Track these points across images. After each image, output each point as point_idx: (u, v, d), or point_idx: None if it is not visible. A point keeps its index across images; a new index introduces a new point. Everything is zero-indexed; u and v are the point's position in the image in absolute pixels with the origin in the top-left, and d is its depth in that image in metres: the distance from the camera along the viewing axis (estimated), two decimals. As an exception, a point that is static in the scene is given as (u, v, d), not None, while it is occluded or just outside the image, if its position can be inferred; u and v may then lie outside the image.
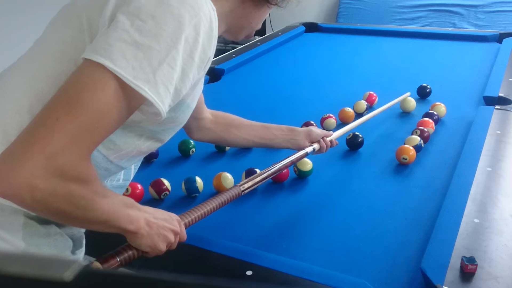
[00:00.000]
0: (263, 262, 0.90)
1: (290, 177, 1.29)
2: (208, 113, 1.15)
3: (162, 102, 0.65)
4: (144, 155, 0.89)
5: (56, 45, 0.73)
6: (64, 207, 0.61)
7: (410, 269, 0.91)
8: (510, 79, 1.86)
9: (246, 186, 0.99)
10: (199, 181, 1.22)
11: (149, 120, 0.75)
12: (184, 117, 0.83)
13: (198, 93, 0.86)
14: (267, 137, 1.19)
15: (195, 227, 1.08)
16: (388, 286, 0.88)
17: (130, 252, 0.76)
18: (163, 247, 0.76)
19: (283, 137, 1.18)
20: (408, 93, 1.71)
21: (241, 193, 0.98)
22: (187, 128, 1.09)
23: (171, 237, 0.77)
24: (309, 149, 1.17)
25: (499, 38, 2.50)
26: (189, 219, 0.86)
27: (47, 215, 0.65)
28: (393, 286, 0.88)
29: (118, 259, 0.75)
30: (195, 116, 1.02)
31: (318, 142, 1.21)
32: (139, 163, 0.96)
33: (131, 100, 0.64)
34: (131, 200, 0.73)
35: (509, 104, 1.62)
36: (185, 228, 0.84)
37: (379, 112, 1.53)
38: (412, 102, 1.71)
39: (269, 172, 1.05)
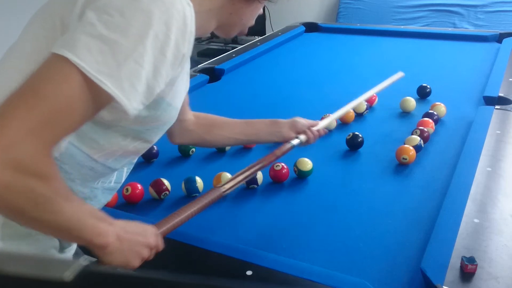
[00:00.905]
0: (263, 262, 0.90)
1: (290, 177, 1.29)
2: (191, 115, 1.10)
3: (128, 98, 0.63)
4: (135, 156, 0.86)
5: (31, 45, 0.73)
6: (21, 204, 0.57)
7: (410, 269, 0.91)
8: (510, 79, 1.86)
9: (227, 186, 0.92)
10: (199, 181, 1.22)
11: (125, 119, 0.72)
12: (167, 116, 0.80)
13: (180, 92, 0.81)
14: (250, 133, 1.14)
15: (195, 227, 1.08)
16: (388, 286, 0.88)
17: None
18: (136, 263, 0.73)
19: (267, 130, 1.13)
20: (401, 73, 1.54)
21: (222, 195, 0.92)
22: (168, 131, 0.98)
23: (145, 253, 0.74)
24: (294, 141, 1.09)
25: (499, 38, 2.50)
26: (167, 227, 0.82)
27: (3, 212, 0.62)
28: (393, 286, 0.88)
29: None
30: (179, 118, 0.95)
31: (305, 133, 1.12)
32: (131, 166, 0.91)
33: (96, 96, 0.62)
34: (102, 213, 0.69)
35: (509, 104, 1.62)
36: (164, 236, 0.80)
37: (369, 95, 1.40)
38: (412, 102, 1.71)
39: (252, 170, 0.98)
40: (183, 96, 0.84)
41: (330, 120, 1.22)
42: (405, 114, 1.71)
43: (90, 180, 0.81)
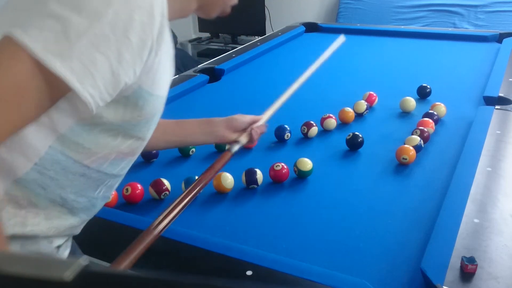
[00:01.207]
0: (263, 262, 0.90)
1: (290, 177, 1.29)
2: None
3: (81, 82, 0.56)
4: (132, 157, 0.78)
5: None
6: None
7: (410, 269, 0.91)
8: (510, 79, 1.86)
9: (161, 227, 0.77)
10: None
11: (102, 116, 0.66)
12: (151, 107, 0.71)
13: (163, 80, 0.72)
14: (182, 134, 1.04)
15: (195, 227, 1.08)
16: (388, 286, 0.88)
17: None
18: None
19: (200, 131, 1.03)
20: (342, 37, 1.39)
21: (158, 235, 0.77)
22: None
23: None
24: (233, 148, 0.97)
25: (499, 38, 2.50)
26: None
27: None
28: (393, 286, 0.88)
29: None
30: None
31: (244, 131, 1.02)
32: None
33: (48, 80, 0.56)
34: None
35: (509, 104, 1.62)
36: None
37: (314, 68, 1.31)
38: (412, 102, 1.71)
39: (189, 197, 0.83)
40: (166, 84, 0.75)
41: (274, 110, 1.11)
42: (405, 114, 1.71)
43: (86, 189, 0.74)
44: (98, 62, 0.57)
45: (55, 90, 0.58)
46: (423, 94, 1.84)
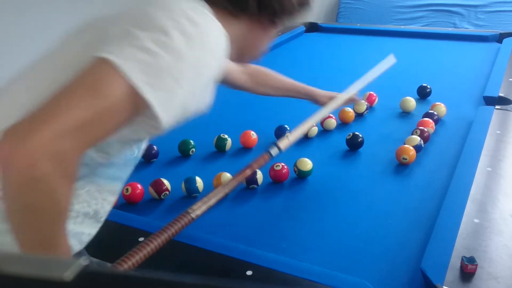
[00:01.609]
0: (263, 262, 0.90)
1: (290, 177, 1.29)
2: (238, 73, 1.27)
3: (164, 110, 0.65)
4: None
5: (68, 55, 0.74)
6: (38, 200, 0.59)
7: (410, 269, 0.91)
8: (510, 79, 1.86)
9: (198, 212, 0.86)
10: (199, 181, 1.22)
11: (149, 131, 0.73)
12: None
13: (201, 99, 0.83)
14: (285, 87, 1.39)
15: (195, 227, 1.08)
16: (388, 286, 0.88)
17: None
18: None
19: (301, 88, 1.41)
20: (392, 57, 1.57)
21: (193, 220, 0.86)
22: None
23: None
24: (273, 151, 1.07)
25: (499, 38, 2.50)
26: (132, 262, 0.76)
27: (14, 203, 0.60)
28: (393, 286, 0.88)
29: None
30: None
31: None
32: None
33: (136, 104, 0.64)
34: None
35: (509, 104, 1.62)
36: (132, 268, 0.76)
37: (363, 85, 1.42)
38: (412, 102, 1.71)
39: (226, 190, 0.94)
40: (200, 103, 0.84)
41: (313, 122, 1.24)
42: (405, 114, 1.71)
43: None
44: (178, 95, 0.66)
45: (136, 112, 0.66)
46: (423, 94, 1.84)
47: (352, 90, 1.38)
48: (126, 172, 0.87)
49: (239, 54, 0.90)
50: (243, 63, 1.00)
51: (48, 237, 0.63)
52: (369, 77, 1.43)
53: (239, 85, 1.30)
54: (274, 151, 1.05)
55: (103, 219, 0.86)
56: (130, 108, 0.64)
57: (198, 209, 0.85)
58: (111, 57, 0.62)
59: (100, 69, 0.62)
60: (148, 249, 0.77)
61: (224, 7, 0.80)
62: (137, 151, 0.88)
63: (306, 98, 1.41)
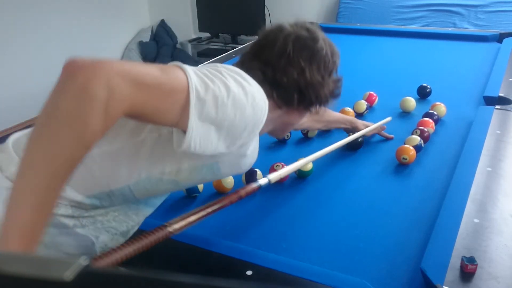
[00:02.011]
0: (263, 262, 0.90)
1: (290, 177, 1.29)
2: None
3: (192, 140, 0.73)
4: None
5: None
6: (73, 111, 0.61)
7: (410, 269, 0.91)
8: (510, 79, 1.86)
9: (176, 227, 0.81)
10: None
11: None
12: (210, 175, 0.90)
13: (234, 165, 0.92)
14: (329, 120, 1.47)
15: (195, 227, 1.08)
16: (388, 286, 0.88)
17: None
18: None
19: (342, 119, 1.48)
20: (389, 118, 1.59)
21: (168, 235, 0.79)
22: None
23: None
24: (262, 181, 1.01)
25: (499, 38, 2.50)
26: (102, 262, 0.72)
27: (51, 104, 0.63)
28: (393, 286, 0.88)
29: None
30: None
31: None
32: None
33: (181, 113, 0.71)
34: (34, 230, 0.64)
35: (509, 104, 1.62)
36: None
37: (357, 136, 1.42)
38: (412, 102, 1.71)
39: (208, 210, 0.87)
40: (230, 171, 0.95)
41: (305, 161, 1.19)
42: (405, 114, 1.71)
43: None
44: (211, 139, 0.76)
45: (175, 123, 0.73)
46: (423, 94, 1.84)
47: (379, 123, 1.50)
48: (162, 200, 0.97)
49: (276, 131, 1.05)
50: (278, 138, 1.11)
51: (59, 157, 0.62)
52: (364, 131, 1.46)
53: (300, 127, 1.42)
54: (263, 182, 1.01)
55: (129, 236, 0.92)
56: (178, 110, 0.71)
57: (176, 223, 0.81)
58: (187, 69, 0.73)
59: (175, 67, 0.74)
60: (117, 256, 0.72)
61: (271, 96, 0.90)
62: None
63: (349, 126, 1.46)
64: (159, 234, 0.78)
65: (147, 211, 0.95)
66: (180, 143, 0.75)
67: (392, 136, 1.52)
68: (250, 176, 1.23)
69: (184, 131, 0.73)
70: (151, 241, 0.77)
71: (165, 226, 0.80)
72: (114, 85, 0.62)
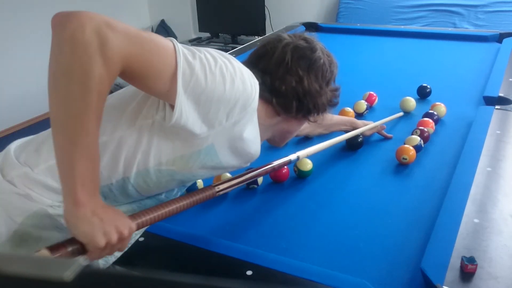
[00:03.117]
0: (263, 262, 0.90)
1: (290, 177, 1.29)
2: None
3: (181, 109, 0.75)
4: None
5: None
6: (72, 64, 0.64)
7: (410, 269, 0.91)
8: (510, 79, 1.86)
9: (221, 187, 0.95)
10: (199, 181, 1.22)
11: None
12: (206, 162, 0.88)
13: (228, 156, 0.90)
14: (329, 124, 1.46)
15: (195, 227, 1.08)
16: (388, 286, 0.88)
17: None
18: (101, 241, 0.70)
19: (342, 121, 1.48)
20: (401, 113, 1.68)
21: (216, 194, 0.94)
22: None
23: (113, 237, 0.71)
24: (292, 157, 1.15)
25: (499, 38, 2.50)
26: (146, 218, 0.81)
27: (53, 64, 0.66)
28: (393, 286, 0.88)
29: (70, 249, 0.70)
30: None
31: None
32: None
33: (168, 81, 0.73)
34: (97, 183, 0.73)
35: (509, 104, 1.62)
36: (146, 225, 0.82)
37: (361, 131, 1.45)
38: (412, 102, 1.71)
39: (249, 175, 1.03)
40: (230, 158, 0.91)
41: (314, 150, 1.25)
42: (405, 114, 1.71)
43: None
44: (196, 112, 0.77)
45: (168, 85, 0.74)
46: (423, 94, 1.84)
47: (378, 123, 1.51)
48: (167, 195, 0.96)
49: (275, 138, 1.06)
50: (278, 145, 1.12)
51: (74, 114, 0.66)
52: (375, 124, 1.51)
53: (301, 133, 1.42)
54: (293, 157, 1.15)
55: (131, 243, 0.92)
56: (167, 71, 0.72)
57: (221, 185, 0.95)
58: (177, 44, 0.75)
59: (166, 40, 0.75)
60: (166, 210, 0.83)
61: (270, 103, 0.93)
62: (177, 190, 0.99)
63: (350, 127, 1.46)
64: (208, 192, 0.91)
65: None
66: (171, 117, 0.76)
67: (391, 135, 1.52)
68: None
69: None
70: (199, 198, 0.89)
71: (213, 186, 0.93)
72: (104, 34, 0.65)
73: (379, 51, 2.55)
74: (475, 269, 0.83)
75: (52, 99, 0.67)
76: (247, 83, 0.81)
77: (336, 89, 1.04)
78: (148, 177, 0.85)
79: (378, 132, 1.52)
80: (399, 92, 1.84)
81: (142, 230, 0.93)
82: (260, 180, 1.25)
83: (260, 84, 0.86)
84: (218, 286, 0.30)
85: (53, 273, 0.32)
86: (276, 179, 1.27)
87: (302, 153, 1.17)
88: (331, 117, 1.45)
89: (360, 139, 1.44)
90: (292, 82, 0.93)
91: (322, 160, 1.38)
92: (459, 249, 0.89)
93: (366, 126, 1.45)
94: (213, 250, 0.94)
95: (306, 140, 1.53)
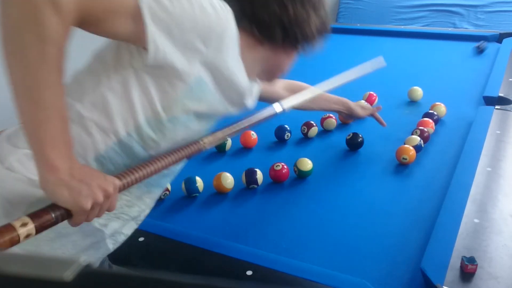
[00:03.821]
0: (263, 262, 0.90)
1: (290, 177, 1.29)
2: (279, 85, 1.25)
3: (154, 39, 0.70)
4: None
5: None
6: (24, 21, 0.61)
7: (410, 269, 0.91)
8: (510, 79, 1.86)
9: (206, 141, 0.88)
10: (199, 181, 1.22)
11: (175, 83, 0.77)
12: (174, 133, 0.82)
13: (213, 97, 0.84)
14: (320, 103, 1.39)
15: (195, 227, 1.08)
16: (388, 286, 0.88)
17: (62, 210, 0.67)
18: (86, 203, 0.66)
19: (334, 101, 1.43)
20: (382, 59, 1.56)
21: (202, 149, 0.87)
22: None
23: (99, 196, 0.67)
24: (277, 108, 1.04)
25: (499, 38, 2.50)
26: (132, 178, 0.76)
27: (3, 29, 0.63)
28: (393, 286, 0.88)
29: (53, 215, 0.66)
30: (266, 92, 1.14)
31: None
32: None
33: (136, 28, 0.70)
34: (70, 141, 0.68)
35: (509, 104, 1.62)
36: (131, 184, 0.76)
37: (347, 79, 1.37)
38: (419, 91, 1.78)
39: (237, 128, 0.95)
40: (224, 94, 0.86)
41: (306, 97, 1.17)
42: (405, 114, 1.71)
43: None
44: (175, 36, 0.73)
45: (133, 25, 0.70)
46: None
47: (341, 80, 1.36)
48: (168, 180, 0.92)
49: (264, 74, 0.97)
50: (269, 81, 1.03)
51: (31, 69, 0.63)
52: (352, 74, 1.40)
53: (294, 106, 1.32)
54: (278, 108, 1.04)
55: (140, 222, 0.89)
56: (128, 7, 0.68)
57: (206, 139, 0.88)
58: None
59: None
60: (150, 169, 0.78)
61: (251, 32, 0.86)
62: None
63: (342, 107, 1.42)
64: (194, 148, 0.85)
65: (157, 193, 0.91)
66: (147, 55, 0.72)
67: (385, 124, 1.48)
68: (250, 175, 1.23)
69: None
70: (186, 154, 0.83)
71: (199, 141, 0.87)
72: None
73: (379, 51, 2.54)
74: (475, 269, 0.83)
75: (8, 62, 0.63)
76: (217, 7, 0.76)
77: (326, 15, 0.96)
78: (151, 130, 0.80)
79: (373, 115, 1.48)
80: (399, 92, 1.84)
81: (149, 207, 0.90)
82: (260, 180, 1.25)
83: (238, 12, 0.81)
84: (218, 286, 0.30)
85: (53, 273, 0.32)
86: (276, 179, 1.27)
87: (285, 102, 1.06)
88: (325, 94, 1.35)
89: (360, 139, 1.44)
90: (275, 9, 0.85)
91: (322, 160, 1.38)
92: (459, 249, 0.89)
93: (356, 74, 1.39)
94: (213, 250, 0.94)
95: (306, 140, 1.53)
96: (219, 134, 0.91)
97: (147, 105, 0.78)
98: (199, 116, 0.84)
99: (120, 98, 0.78)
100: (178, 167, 0.90)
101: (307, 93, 1.16)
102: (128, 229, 0.87)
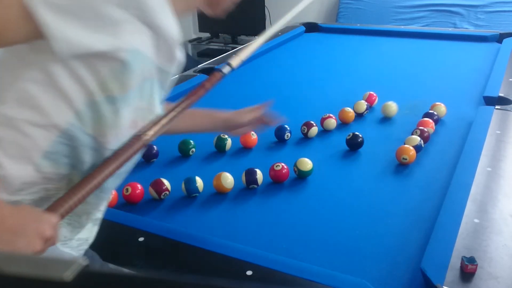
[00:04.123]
0: (263, 262, 0.90)
1: (290, 177, 1.29)
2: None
3: (55, 25, 0.61)
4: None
5: None
6: None
7: (410, 269, 0.91)
8: (510, 79, 1.86)
9: (150, 133, 0.77)
10: (199, 181, 1.22)
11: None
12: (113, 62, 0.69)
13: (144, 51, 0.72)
14: (193, 124, 1.15)
15: (195, 227, 1.09)
16: (388, 286, 0.88)
17: None
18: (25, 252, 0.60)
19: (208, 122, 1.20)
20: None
21: (146, 142, 0.77)
22: None
23: (36, 246, 0.62)
24: (225, 69, 0.95)
25: (499, 38, 2.50)
26: (74, 200, 0.68)
27: None
28: (393, 286, 0.88)
29: None
30: None
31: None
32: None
33: (31, 26, 0.61)
34: None
35: (509, 104, 1.62)
36: (71, 210, 0.68)
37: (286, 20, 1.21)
38: (393, 107, 1.67)
39: (180, 108, 0.83)
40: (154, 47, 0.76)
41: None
42: (404, 113, 1.71)
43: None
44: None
45: (27, 26, 0.61)
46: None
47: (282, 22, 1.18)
48: (118, 182, 0.84)
49: (209, 4, 0.86)
50: (215, 14, 0.89)
51: None
52: (290, 15, 1.20)
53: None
54: (226, 69, 0.94)
55: (99, 221, 0.85)
56: (16, 18, 0.60)
57: (149, 130, 0.77)
58: None
59: None
60: (92, 185, 0.70)
61: None
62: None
63: (221, 126, 1.21)
64: (136, 145, 0.75)
65: (113, 183, 0.81)
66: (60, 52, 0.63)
67: (279, 121, 1.27)
68: (250, 175, 1.23)
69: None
70: (128, 154, 0.73)
71: (140, 136, 0.76)
72: None
73: (379, 51, 2.55)
74: (475, 269, 0.83)
75: None
76: None
77: None
78: (91, 113, 0.70)
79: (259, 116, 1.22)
80: (399, 92, 1.84)
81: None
82: (260, 180, 1.25)
83: None
84: (218, 286, 0.30)
85: (53, 273, 0.32)
86: (276, 179, 1.27)
87: (233, 60, 0.96)
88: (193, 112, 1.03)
89: (360, 139, 1.44)
90: None
91: (322, 160, 1.38)
92: (459, 249, 0.89)
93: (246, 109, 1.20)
94: (213, 250, 0.94)
95: (306, 140, 1.53)
96: (163, 121, 0.79)
97: (80, 89, 0.68)
98: (141, 89, 0.74)
99: (47, 88, 0.68)
100: (127, 167, 0.81)
101: (254, 43, 1.05)
102: (88, 233, 0.82)
